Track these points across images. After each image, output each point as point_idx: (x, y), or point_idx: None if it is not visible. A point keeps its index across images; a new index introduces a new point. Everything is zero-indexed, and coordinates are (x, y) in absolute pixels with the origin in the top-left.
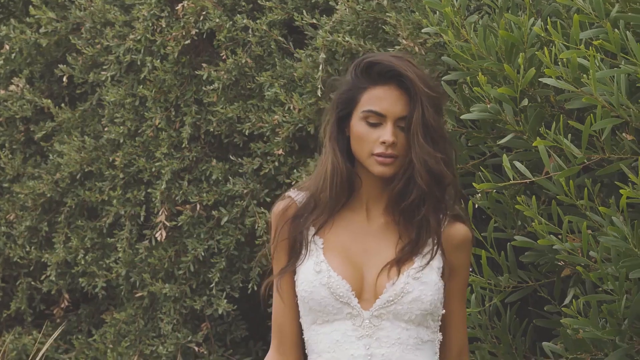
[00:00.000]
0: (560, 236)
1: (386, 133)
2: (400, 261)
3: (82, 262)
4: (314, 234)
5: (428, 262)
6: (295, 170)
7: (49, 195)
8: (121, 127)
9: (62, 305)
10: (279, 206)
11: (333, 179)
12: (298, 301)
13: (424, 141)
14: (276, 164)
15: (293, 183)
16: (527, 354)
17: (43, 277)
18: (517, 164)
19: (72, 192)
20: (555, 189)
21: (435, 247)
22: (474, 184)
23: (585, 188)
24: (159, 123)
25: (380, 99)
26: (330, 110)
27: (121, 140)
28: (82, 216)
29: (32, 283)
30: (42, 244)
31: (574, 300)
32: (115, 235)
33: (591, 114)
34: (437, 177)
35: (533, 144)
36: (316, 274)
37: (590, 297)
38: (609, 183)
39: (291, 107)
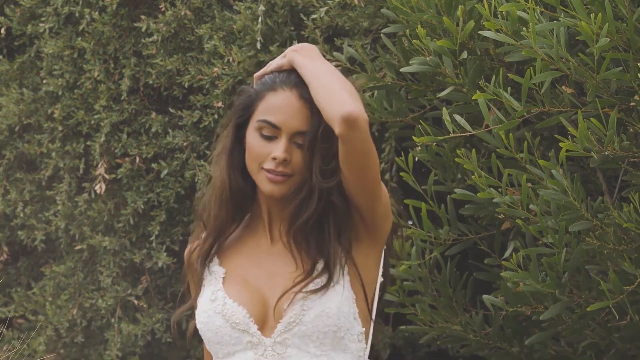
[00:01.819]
0: (500, 189)
1: (278, 148)
2: (299, 281)
3: (21, 215)
4: (209, 262)
5: (328, 283)
6: None
7: None
8: (60, 80)
9: (1, 258)
10: (190, 246)
11: (221, 195)
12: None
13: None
14: (216, 116)
15: None
16: (467, 306)
17: None
18: (457, 117)
19: (10, 144)
20: (495, 142)
21: (335, 271)
22: (413, 137)
23: (525, 141)
24: (98, 75)
25: (277, 108)
26: (230, 118)
27: (60, 93)
28: (21, 169)
29: None
30: None
31: (513, 253)
32: (54, 188)
33: (531, 67)
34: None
35: (473, 97)
36: (211, 302)
37: (530, 250)
38: (549, 136)
39: (230, 60)
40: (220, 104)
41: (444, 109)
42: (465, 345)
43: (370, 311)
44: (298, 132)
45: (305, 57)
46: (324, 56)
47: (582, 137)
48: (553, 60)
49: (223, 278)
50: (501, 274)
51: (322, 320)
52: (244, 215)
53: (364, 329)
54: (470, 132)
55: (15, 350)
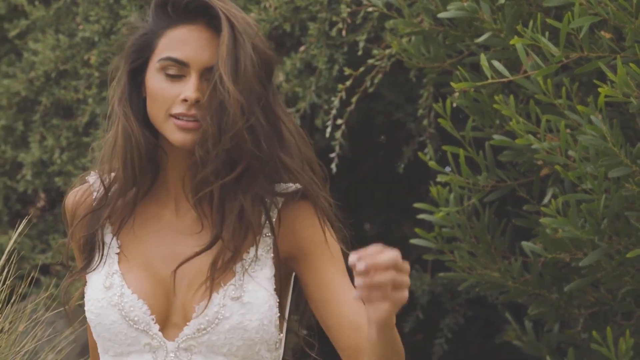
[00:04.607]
0: (538, 135)
1: (189, 88)
2: (214, 273)
3: (58, 162)
4: (109, 234)
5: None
6: None
7: (24, 94)
8: (96, 25)
9: (39, 205)
10: (72, 195)
11: (127, 154)
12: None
13: (234, 86)
14: None
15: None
16: (506, 253)
17: (19, 176)
18: (495, 62)
19: (47, 91)
20: (534, 88)
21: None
22: (451, 83)
23: (564, 87)
24: (135, 21)
25: (182, 42)
26: (121, 63)
27: (96, 39)
28: (58, 115)
29: (8, 183)
30: (17, 144)
31: (552, 199)
32: (91, 134)
33: (569, 12)
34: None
35: (510, 43)
36: (105, 290)
37: (569, 196)
38: (588, 82)
39: (267, 5)
40: None
41: (482, 54)
42: (504, 292)
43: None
44: (211, 67)
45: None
46: (361, 2)
47: (621, 82)
48: (591, 4)
49: (117, 255)
50: (540, 220)
51: (237, 334)
52: (149, 180)
53: (282, 335)
54: (508, 77)
55: (52, 296)
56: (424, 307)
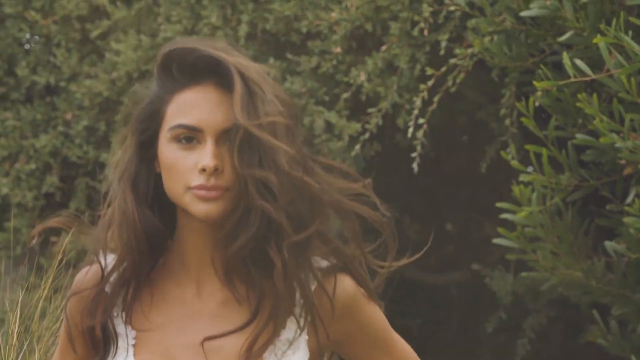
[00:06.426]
0: (622, 134)
1: (205, 155)
2: (249, 359)
3: None
4: (121, 324)
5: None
6: (353, 69)
7: (106, 94)
8: (177, 25)
9: None
10: (83, 274)
11: (124, 236)
12: None
13: (250, 153)
14: (334, 62)
15: (351, 82)
16: (589, 253)
17: (101, 177)
18: (578, 61)
19: (129, 91)
20: (617, 87)
21: (297, 332)
22: (534, 81)
23: None
24: (216, 21)
25: (192, 106)
26: (129, 137)
27: (178, 39)
28: None
29: (90, 183)
30: (99, 144)
31: (636, 198)
32: None
33: None
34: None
35: (593, 41)
36: None
37: None
38: None
39: (348, 5)
40: (338, 49)
41: (564, 53)
42: (587, 292)
43: None
44: (226, 130)
45: None
46: (443, 1)
47: None
48: None
49: (134, 346)
50: (623, 220)
51: None
52: (149, 265)
53: None
54: (591, 76)
55: None
56: (507, 307)
